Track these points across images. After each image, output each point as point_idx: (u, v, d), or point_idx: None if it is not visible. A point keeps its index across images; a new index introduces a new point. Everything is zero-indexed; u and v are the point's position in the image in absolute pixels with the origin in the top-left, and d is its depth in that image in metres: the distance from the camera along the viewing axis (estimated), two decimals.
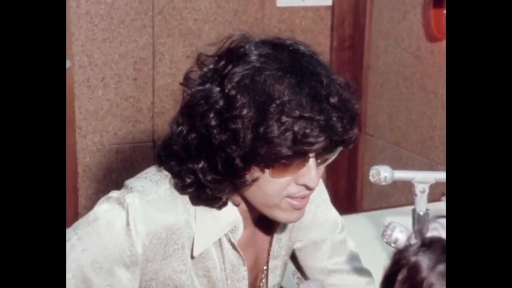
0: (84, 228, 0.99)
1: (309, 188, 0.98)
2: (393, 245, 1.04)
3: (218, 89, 0.95)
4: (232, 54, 0.96)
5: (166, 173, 1.01)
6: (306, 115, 0.93)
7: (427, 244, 0.67)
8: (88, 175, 2.03)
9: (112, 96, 2.01)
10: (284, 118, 0.92)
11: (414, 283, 0.65)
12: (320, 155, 0.98)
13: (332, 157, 1.01)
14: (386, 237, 1.04)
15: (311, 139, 0.93)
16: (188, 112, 0.97)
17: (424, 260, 0.66)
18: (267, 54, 0.96)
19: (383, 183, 1.24)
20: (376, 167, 1.24)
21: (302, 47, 0.99)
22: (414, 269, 0.66)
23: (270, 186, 0.97)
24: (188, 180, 0.98)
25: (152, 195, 0.99)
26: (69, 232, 1.00)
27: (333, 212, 1.19)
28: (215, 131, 0.94)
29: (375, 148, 2.19)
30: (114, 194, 1.00)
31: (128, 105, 2.03)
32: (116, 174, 2.04)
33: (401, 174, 1.25)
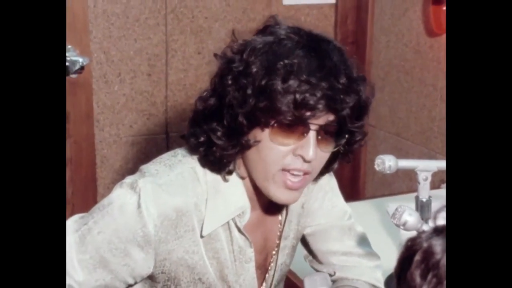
0: (99, 212, 1.02)
1: (305, 161, 0.97)
2: (402, 227, 1.06)
3: (239, 57, 0.98)
4: (263, 29, 1.01)
5: (180, 158, 1.04)
6: (312, 80, 0.93)
7: (439, 230, 0.69)
8: (105, 166, 2.07)
9: (127, 91, 2.05)
10: (289, 78, 0.93)
11: (430, 264, 0.66)
12: (323, 134, 0.98)
13: (335, 146, 1.00)
14: (396, 219, 1.05)
15: (311, 103, 0.92)
16: (213, 80, 1.01)
17: (437, 244, 0.67)
18: (291, 31, 0.98)
19: (388, 172, 1.26)
20: (381, 156, 1.26)
21: (327, 37, 1.01)
22: (429, 252, 0.67)
23: (269, 152, 0.97)
24: (201, 139, 1.01)
25: (164, 178, 1.01)
26: (86, 216, 1.04)
27: (340, 200, 1.21)
28: (229, 89, 0.97)
29: (377, 138, 2.20)
30: (127, 179, 1.03)
31: (142, 99, 2.07)
32: (131, 165, 2.08)
33: (405, 163, 1.27)
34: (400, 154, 2.05)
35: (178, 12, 2.06)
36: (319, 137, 0.98)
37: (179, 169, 1.03)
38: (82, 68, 1.90)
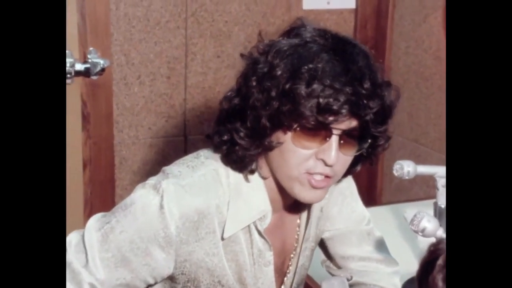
0: (122, 211, 1.02)
1: (327, 165, 0.97)
2: (420, 233, 1.05)
3: (264, 58, 0.98)
4: (289, 31, 1.01)
5: (203, 160, 1.05)
6: (335, 85, 0.93)
7: None
8: (124, 167, 2.09)
9: (147, 93, 2.07)
10: (313, 82, 0.93)
11: None
12: (345, 138, 0.98)
13: (358, 151, 1.00)
14: (414, 226, 1.04)
15: (334, 108, 0.92)
16: (239, 80, 1.02)
17: None
18: (317, 34, 0.98)
19: (406, 177, 1.25)
20: (400, 162, 1.26)
21: (353, 40, 1.01)
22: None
23: (292, 156, 0.98)
24: (224, 137, 1.01)
25: (187, 179, 1.02)
26: (108, 215, 1.04)
27: (359, 205, 1.21)
28: (253, 90, 0.97)
29: (395, 144, 2.19)
30: (150, 180, 1.03)
31: (161, 101, 2.09)
32: (149, 166, 2.10)
33: (424, 169, 1.27)
34: (418, 160, 1.99)
35: (198, 15, 2.08)
36: (342, 141, 0.98)
37: (202, 171, 1.04)
38: (103, 70, 1.92)
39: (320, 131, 0.97)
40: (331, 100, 0.93)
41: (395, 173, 1.26)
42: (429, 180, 1.38)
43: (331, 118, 0.95)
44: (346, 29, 2.22)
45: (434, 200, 1.32)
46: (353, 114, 0.95)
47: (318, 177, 1.00)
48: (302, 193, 1.02)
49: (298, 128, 0.97)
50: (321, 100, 0.93)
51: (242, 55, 1.03)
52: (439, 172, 1.28)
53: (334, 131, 0.97)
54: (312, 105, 0.93)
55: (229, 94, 1.03)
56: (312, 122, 0.95)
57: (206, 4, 2.08)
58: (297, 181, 1.00)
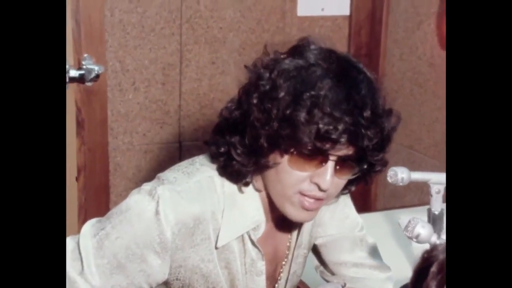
0: (117, 217, 1.02)
1: (321, 189, 0.99)
2: (414, 239, 1.05)
3: (268, 75, 0.98)
4: (294, 49, 1.01)
5: (198, 166, 1.05)
6: (335, 114, 0.93)
7: None
8: (118, 173, 2.09)
9: (142, 99, 2.07)
10: (314, 110, 0.93)
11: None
12: (341, 164, 0.99)
13: (353, 175, 1.01)
14: (409, 232, 1.05)
15: (333, 137, 0.93)
16: (241, 92, 1.02)
17: None
18: (322, 56, 0.98)
19: (400, 184, 1.25)
20: (394, 168, 1.26)
21: (358, 64, 1.01)
22: (445, 263, 0.67)
23: (287, 176, 0.98)
24: (222, 149, 1.02)
25: (183, 185, 1.02)
26: (103, 221, 1.04)
27: (352, 211, 1.22)
28: (254, 108, 0.97)
29: (389, 151, 2.23)
30: (146, 186, 1.03)
31: (156, 108, 2.09)
32: (144, 173, 2.09)
33: (418, 176, 1.27)
34: (413, 167, 1.99)
35: (193, 22, 2.08)
36: (337, 167, 0.99)
37: (198, 177, 1.04)
38: (97, 76, 1.92)
39: (317, 156, 0.97)
40: (330, 128, 0.93)
41: (389, 179, 1.27)
42: (423, 187, 1.37)
43: (328, 146, 0.96)
44: (340, 36, 2.23)
45: (428, 207, 1.32)
46: (351, 143, 0.96)
47: (311, 200, 1.01)
48: (293, 213, 1.03)
49: (295, 152, 0.97)
50: (320, 127, 0.94)
51: (246, 67, 1.03)
52: (433, 178, 1.28)
53: (331, 157, 0.98)
54: (311, 132, 0.94)
55: (229, 105, 1.03)
56: (310, 148, 0.96)
57: (201, 10, 2.08)
58: (289, 201, 1.01)
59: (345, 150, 0.97)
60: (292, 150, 0.97)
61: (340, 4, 2.23)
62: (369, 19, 2.22)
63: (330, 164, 0.98)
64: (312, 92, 0.94)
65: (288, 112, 0.95)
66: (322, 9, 2.20)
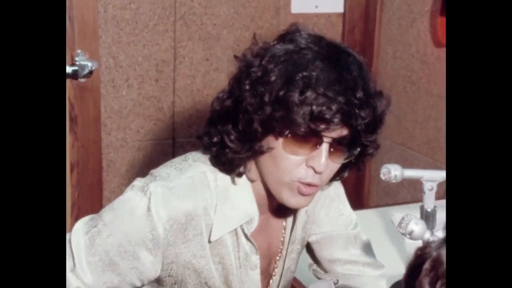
0: (109, 214, 1.02)
1: (316, 172, 0.98)
2: (408, 236, 1.05)
3: (258, 62, 0.98)
4: (284, 36, 1.01)
5: (191, 162, 1.05)
6: (329, 94, 0.93)
7: None
8: (111, 170, 2.08)
9: (135, 96, 2.07)
10: (307, 90, 0.93)
11: (439, 273, 0.67)
12: (335, 147, 0.98)
13: (347, 158, 1.01)
14: (402, 229, 1.05)
15: (327, 117, 0.93)
16: (232, 82, 1.02)
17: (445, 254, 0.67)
18: (312, 40, 0.98)
19: (393, 181, 1.26)
20: (387, 165, 1.26)
21: (348, 48, 1.01)
22: (438, 261, 0.67)
23: (282, 161, 0.98)
24: (215, 139, 1.02)
25: (175, 182, 1.02)
26: (95, 218, 1.04)
27: (347, 208, 1.22)
28: (246, 94, 0.97)
29: (382, 148, 2.13)
30: (137, 182, 1.03)
31: (150, 104, 2.09)
32: (137, 169, 2.09)
33: (411, 173, 1.27)
34: (406, 164, 2.05)
35: (187, 18, 2.08)
36: (332, 149, 0.99)
37: (190, 173, 1.04)
38: (90, 72, 1.91)
39: (311, 138, 0.97)
40: (324, 108, 0.93)
41: (382, 177, 1.27)
42: (416, 184, 1.38)
43: (322, 126, 0.95)
44: (334, 33, 2.23)
45: (420, 204, 1.33)
46: (345, 123, 0.96)
47: (307, 187, 1.01)
48: (290, 199, 1.03)
49: (289, 135, 0.97)
50: (314, 108, 0.93)
51: (235, 57, 1.03)
52: (426, 175, 1.29)
53: (325, 139, 0.98)
54: (305, 113, 0.94)
55: (221, 95, 1.03)
56: (304, 130, 0.95)
57: (195, 7, 2.08)
58: (287, 187, 1.01)
59: (338, 131, 0.97)
60: (286, 132, 0.97)
61: (334, 2, 2.23)
62: (363, 17, 2.23)
63: (325, 146, 0.98)
64: (304, 73, 0.94)
65: (281, 94, 0.94)
66: (316, 6, 2.21)
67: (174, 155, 2.10)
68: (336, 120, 0.94)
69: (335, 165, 1.02)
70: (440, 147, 2.03)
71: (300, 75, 0.94)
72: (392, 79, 2.18)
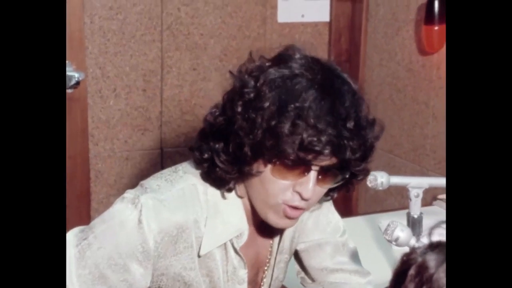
0: (99, 226, 1.01)
1: (303, 198, 0.99)
2: (394, 242, 1.06)
3: (253, 83, 0.98)
4: (279, 58, 1.00)
5: (181, 174, 1.04)
6: (319, 126, 0.94)
7: (434, 246, 0.70)
8: (99, 180, 2.08)
9: (123, 106, 2.07)
10: (298, 121, 0.94)
11: (424, 278, 0.68)
12: (324, 174, 0.99)
13: (334, 184, 1.01)
14: (388, 235, 1.06)
15: (316, 148, 0.94)
16: (225, 98, 1.01)
17: (431, 259, 0.68)
18: (307, 66, 0.98)
19: (380, 188, 1.27)
20: (373, 172, 1.27)
21: (342, 74, 1.01)
22: (423, 266, 0.68)
23: (270, 185, 0.99)
24: (205, 155, 1.01)
25: (166, 194, 1.01)
26: (86, 230, 1.03)
27: (335, 216, 1.22)
28: (238, 117, 0.97)
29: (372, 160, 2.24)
30: (128, 194, 1.02)
31: (137, 114, 2.09)
32: (126, 180, 2.09)
33: (397, 180, 1.29)
34: (393, 171, 2.07)
35: (173, 28, 2.09)
36: (320, 176, 1.00)
37: (181, 185, 1.04)
38: (77, 83, 1.91)
39: (300, 166, 0.98)
40: (314, 139, 0.94)
41: (369, 184, 1.28)
42: (404, 191, 1.38)
43: (311, 156, 0.96)
44: (320, 42, 2.25)
45: (407, 210, 1.34)
46: (334, 154, 0.97)
47: (293, 210, 1.01)
48: (276, 221, 1.03)
49: (278, 162, 0.98)
50: (304, 138, 0.94)
51: (230, 72, 1.03)
52: (412, 182, 1.30)
53: (313, 167, 0.98)
54: (295, 143, 0.94)
55: (213, 110, 1.03)
56: (293, 158, 0.96)
57: (182, 17, 2.09)
58: (273, 209, 1.02)
59: (328, 161, 0.98)
60: (275, 160, 0.98)
61: (320, 11, 2.25)
62: (348, 26, 2.25)
63: (313, 174, 0.98)
64: (297, 104, 0.95)
65: (272, 123, 0.95)
66: (302, 16, 2.22)
67: (162, 164, 2.10)
68: (326, 151, 0.95)
69: (322, 190, 1.03)
70: (426, 153, 2.05)
71: (292, 106, 0.95)
72: (379, 87, 2.20)
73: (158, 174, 1.07)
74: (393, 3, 2.12)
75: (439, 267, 0.68)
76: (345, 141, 0.96)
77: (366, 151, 1.00)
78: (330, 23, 2.25)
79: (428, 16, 1.91)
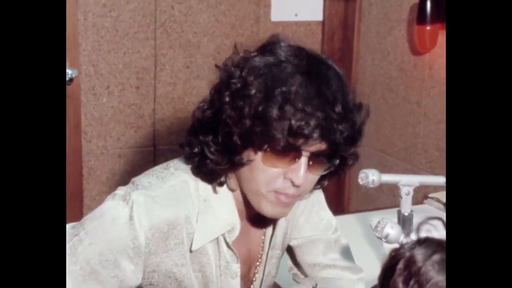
0: (91, 223, 1.01)
1: (295, 185, 0.99)
2: (384, 239, 1.06)
3: (239, 73, 0.98)
4: (264, 47, 1.00)
5: (172, 171, 1.04)
6: (307, 109, 0.93)
7: (421, 241, 0.72)
8: (92, 178, 2.08)
9: (116, 103, 2.07)
10: (285, 106, 0.93)
11: (412, 271, 0.69)
12: (314, 160, 0.99)
13: (326, 170, 1.01)
14: (378, 232, 1.06)
15: (305, 132, 0.93)
16: (213, 91, 1.01)
17: (419, 253, 0.70)
18: (292, 53, 0.98)
19: (371, 186, 1.27)
20: (364, 170, 1.28)
21: (327, 60, 1.01)
22: (411, 260, 0.70)
23: (261, 173, 0.99)
24: (195, 150, 1.01)
25: (157, 191, 1.02)
26: (77, 226, 1.03)
27: (327, 213, 1.22)
28: (226, 106, 0.97)
29: (362, 154, 2.16)
30: (119, 191, 1.02)
31: (131, 112, 2.09)
32: (118, 177, 2.09)
33: (388, 177, 1.29)
34: (385, 170, 2.08)
35: (167, 26, 2.09)
36: (310, 162, 1.00)
37: (172, 182, 1.04)
38: (71, 80, 1.91)
39: (290, 152, 0.97)
40: (302, 123, 0.94)
41: (360, 181, 1.29)
42: (395, 190, 1.39)
43: (301, 141, 0.96)
44: (314, 41, 2.26)
45: (398, 208, 1.35)
46: (323, 138, 0.96)
47: (286, 196, 1.01)
48: (269, 209, 1.03)
49: (268, 149, 0.98)
50: (292, 123, 0.94)
51: (216, 66, 1.03)
52: (403, 180, 1.30)
53: (304, 153, 0.98)
54: (284, 128, 0.94)
55: (201, 104, 1.03)
56: (282, 144, 0.96)
57: (175, 15, 2.09)
58: (264, 198, 1.01)
59: (317, 145, 0.97)
60: (265, 147, 0.97)
61: (313, 10, 2.26)
62: (341, 25, 2.25)
63: (303, 160, 0.98)
64: (283, 88, 0.94)
65: (260, 109, 0.95)
66: (296, 15, 2.23)
67: (155, 162, 2.10)
68: (314, 135, 0.95)
69: (314, 176, 1.02)
70: (418, 153, 2.06)
71: (279, 90, 0.94)
72: (371, 86, 2.21)
73: (149, 171, 1.07)
74: (385, 3, 2.13)
75: (426, 260, 0.69)
76: (334, 124, 0.95)
77: (355, 134, 1.00)
78: (323, 22, 2.26)
79: (420, 16, 1.93)
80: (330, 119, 0.95)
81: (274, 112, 0.94)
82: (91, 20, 2.00)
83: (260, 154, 0.98)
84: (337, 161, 1.02)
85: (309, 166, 0.99)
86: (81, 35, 1.99)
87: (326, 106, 0.95)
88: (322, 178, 1.06)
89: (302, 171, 0.98)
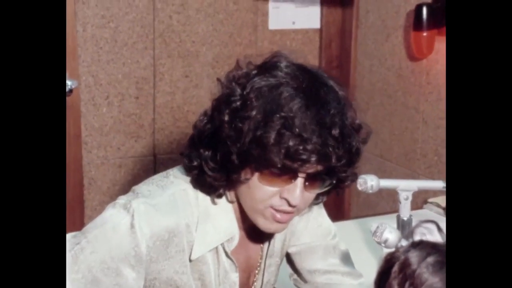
0: (92, 231, 1.02)
1: (290, 205, 1.00)
2: (383, 244, 1.06)
3: (239, 91, 0.99)
4: (265, 66, 1.01)
5: (172, 179, 1.05)
6: (304, 135, 0.95)
7: (416, 245, 0.72)
8: (93, 187, 2.08)
9: (115, 113, 2.08)
10: (283, 131, 0.95)
11: (407, 274, 0.69)
12: (311, 180, 1.00)
13: (322, 189, 1.02)
14: (377, 237, 1.06)
15: (302, 157, 0.95)
16: (213, 106, 1.02)
17: (413, 256, 0.70)
18: (292, 74, 0.99)
19: (370, 191, 1.28)
20: (363, 176, 1.28)
21: (328, 80, 1.02)
22: (406, 263, 0.70)
23: (257, 191, 1.00)
24: (194, 163, 1.02)
25: (157, 199, 1.03)
26: (78, 235, 1.04)
27: (326, 219, 1.23)
28: (226, 125, 0.98)
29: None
30: (120, 200, 1.03)
31: (130, 121, 2.10)
32: (119, 187, 2.10)
33: (387, 183, 1.30)
34: (384, 175, 2.07)
35: (165, 36, 2.10)
36: (307, 183, 1.01)
37: (172, 190, 1.05)
38: (70, 91, 1.92)
39: (287, 173, 0.99)
40: (299, 148, 0.95)
41: (359, 187, 1.29)
42: (395, 195, 1.39)
43: (297, 164, 0.97)
44: (311, 49, 2.27)
45: (398, 213, 1.35)
46: (319, 162, 0.97)
47: (282, 213, 1.02)
48: (265, 225, 1.04)
49: (265, 170, 0.99)
50: (289, 147, 0.95)
51: (218, 80, 1.04)
52: (401, 185, 1.31)
53: (300, 174, 0.99)
54: (281, 152, 0.95)
55: (202, 118, 1.04)
56: (279, 166, 0.97)
57: (173, 25, 2.10)
58: (261, 214, 1.03)
59: (314, 168, 0.98)
60: (262, 168, 0.99)
61: (311, 18, 2.27)
62: (339, 32, 2.27)
63: (300, 181, 0.99)
64: (282, 113, 0.96)
65: (258, 133, 0.96)
66: (293, 23, 2.24)
67: (155, 171, 2.10)
68: (312, 160, 0.96)
69: (310, 195, 1.03)
70: (416, 158, 2.06)
71: (278, 115, 0.96)
72: (369, 93, 2.21)
73: (149, 180, 1.08)
74: (382, 10, 2.14)
75: (421, 263, 0.70)
76: (330, 149, 0.96)
77: (352, 157, 1.01)
78: (320, 29, 2.27)
79: (416, 22, 1.94)
80: (326, 144, 0.96)
81: (272, 137, 0.95)
82: (90, 32, 2.01)
83: (256, 174, 0.99)
84: (334, 181, 1.03)
85: (305, 186, 1.01)
86: (80, 46, 2.00)
87: (323, 131, 0.96)
88: (320, 194, 1.07)
89: (298, 192, 0.99)
